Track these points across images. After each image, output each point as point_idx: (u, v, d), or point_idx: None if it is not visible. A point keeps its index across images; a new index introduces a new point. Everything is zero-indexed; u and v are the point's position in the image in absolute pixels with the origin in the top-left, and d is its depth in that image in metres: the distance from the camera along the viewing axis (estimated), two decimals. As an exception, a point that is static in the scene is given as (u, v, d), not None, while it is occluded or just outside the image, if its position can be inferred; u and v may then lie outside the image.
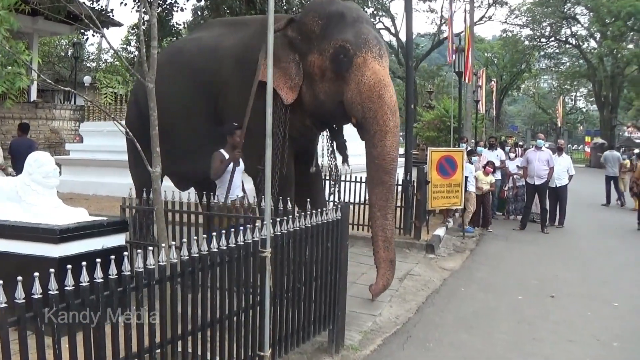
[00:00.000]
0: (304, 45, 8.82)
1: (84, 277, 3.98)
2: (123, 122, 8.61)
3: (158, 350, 4.49)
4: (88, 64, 40.42)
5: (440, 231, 13.65)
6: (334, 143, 9.83)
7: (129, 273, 4.27)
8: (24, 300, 3.58)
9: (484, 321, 8.24)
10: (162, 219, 5.79)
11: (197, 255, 4.82)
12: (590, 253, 13.74)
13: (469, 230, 14.65)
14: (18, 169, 11.96)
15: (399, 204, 12.67)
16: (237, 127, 8.48)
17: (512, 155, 18.68)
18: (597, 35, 56.92)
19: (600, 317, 8.78)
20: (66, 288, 3.87)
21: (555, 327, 8.21)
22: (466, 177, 14.19)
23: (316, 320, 6.46)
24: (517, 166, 17.62)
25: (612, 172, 22.88)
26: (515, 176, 17.72)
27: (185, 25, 20.87)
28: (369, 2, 22.01)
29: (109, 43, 6.80)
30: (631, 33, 52.15)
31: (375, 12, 22.05)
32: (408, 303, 8.84)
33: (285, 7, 18.11)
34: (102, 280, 4.03)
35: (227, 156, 8.42)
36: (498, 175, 17.15)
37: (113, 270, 4.12)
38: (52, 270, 3.83)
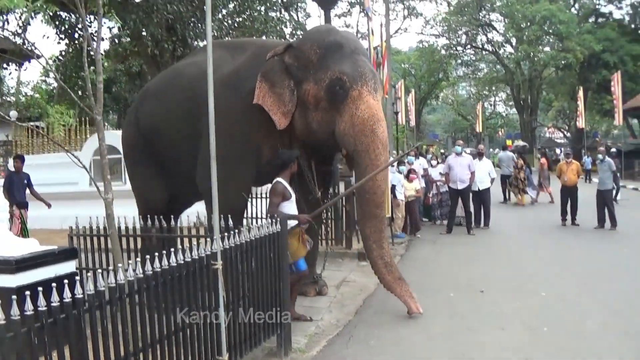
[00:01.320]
0: (300, 73, 9.08)
1: (41, 302, 4.23)
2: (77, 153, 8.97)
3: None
4: (8, 99, 39.98)
5: None
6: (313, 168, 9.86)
7: (81, 296, 4.53)
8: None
9: (420, 318, 8.87)
10: (117, 242, 6.35)
11: (155, 271, 5.33)
12: (516, 250, 14.74)
13: (399, 236, 15.46)
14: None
15: (329, 216, 13.50)
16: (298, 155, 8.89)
17: (434, 162, 19.55)
18: (513, 41, 58.66)
19: (529, 306, 9.56)
20: (26, 313, 4.09)
21: (486, 318, 8.95)
22: (394, 186, 15.03)
23: (265, 326, 7.07)
24: (440, 173, 18.44)
25: (507, 171, 25.20)
26: (438, 183, 18.59)
27: (104, 55, 21.10)
28: (287, 23, 22.65)
29: (54, 73, 7.28)
30: (547, 36, 54.04)
31: (293, 32, 22.64)
32: (347, 307, 9.52)
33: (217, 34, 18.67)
34: (58, 303, 4.31)
35: (285, 184, 8.60)
36: (422, 183, 18.00)
37: (67, 294, 4.38)
38: (13, 297, 4.09)
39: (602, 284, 11.06)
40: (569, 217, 18.67)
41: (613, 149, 27.43)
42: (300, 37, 10.43)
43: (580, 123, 47.15)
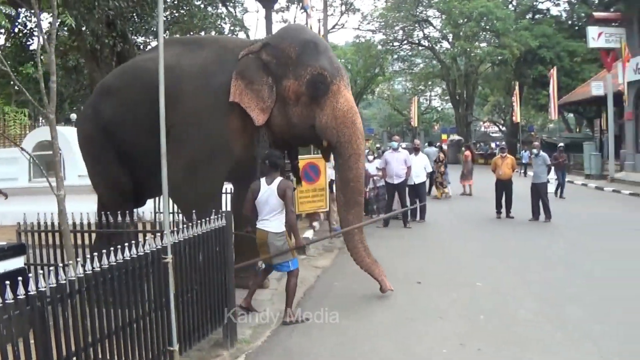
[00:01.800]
0: (279, 70, 9.55)
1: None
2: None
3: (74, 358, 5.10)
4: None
5: (309, 233, 14.89)
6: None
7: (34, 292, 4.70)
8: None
9: (360, 309, 9.36)
10: (69, 238, 6.64)
11: (107, 265, 5.59)
12: (451, 243, 15.43)
13: (337, 229, 15.86)
14: None
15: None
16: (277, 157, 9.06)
17: (370, 157, 20.04)
18: (450, 37, 59.58)
19: (465, 297, 10.13)
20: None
21: (425, 308, 9.47)
22: (332, 180, 15.47)
23: (212, 318, 7.45)
24: (377, 168, 18.91)
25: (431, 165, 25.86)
26: (375, 177, 19.06)
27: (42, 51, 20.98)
28: (226, 19, 22.85)
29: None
30: (484, 33, 54.96)
31: (232, 28, 22.84)
32: (288, 299, 9.90)
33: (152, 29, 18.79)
34: (12, 300, 4.43)
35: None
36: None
37: (21, 290, 4.50)
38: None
39: (536, 275, 11.70)
40: (503, 210, 19.50)
41: (561, 144, 28.04)
42: (273, 35, 10.70)
43: (516, 117, 48.27)
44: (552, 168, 22.18)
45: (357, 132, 9.65)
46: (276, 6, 42.53)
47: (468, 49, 53.65)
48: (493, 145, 65.32)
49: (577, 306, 9.54)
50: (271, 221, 8.74)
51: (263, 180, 8.80)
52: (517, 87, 48.71)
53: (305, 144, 10.97)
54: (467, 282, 11.09)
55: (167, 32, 20.36)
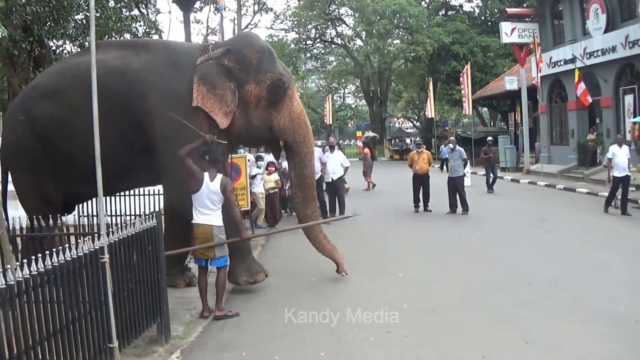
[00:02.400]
0: (242, 75, 10.23)
1: None
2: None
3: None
4: None
5: None
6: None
7: None
8: None
9: (287, 302, 9.71)
10: (7, 241, 6.91)
11: (49, 267, 5.81)
12: (373, 236, 16.06)
13: (260, 226, 16.39)
14: None
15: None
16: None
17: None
18: (363, 34, 60.02)
19: (388, 287, 10.70)
20: None
21: (349, 299, 9.93)
22: (254, 177, 15.93)
23: (147, 315, 7.76)
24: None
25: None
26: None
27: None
28: (142, 21, 22.86)
29: None
30: (397, 30, 55.61)
31: (147, 30, 22.86)
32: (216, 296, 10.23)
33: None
34: None
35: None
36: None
37: None
38: None
39: (456, 265, 12.43)
40: (421, 204, 20.19)
41: (489, 138, 29.01)
42: (231, 42, 11.07)
43: (430, 113, 49.18)
44: (468, 163, 22.99)
45: (309, 132, 10.97)
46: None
47: (381, 46, 54.33)
48: (408, 140, 66.33)
49: (498, 293, 10.21)
50: (214, 216, 9.09)
51: (206, 174, 9.03)
52: (430, 83, 49.69)
53: (261, 144, 12.16)
54: (389, 273, 11.68)
55: (83, 35, 20.32)
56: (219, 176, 9.08)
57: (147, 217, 8.01)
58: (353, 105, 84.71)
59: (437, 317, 8.96)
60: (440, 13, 58.71)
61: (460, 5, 61.28)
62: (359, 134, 65.91)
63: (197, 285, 9.58)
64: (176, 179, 9.70)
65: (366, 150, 29.12)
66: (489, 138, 29.25)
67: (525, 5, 40.74)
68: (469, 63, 44.19)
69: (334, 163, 19.33)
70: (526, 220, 18.16)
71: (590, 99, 28.79)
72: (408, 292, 10.36)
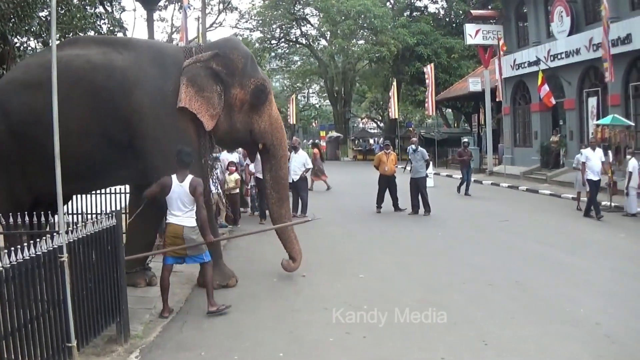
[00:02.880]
0: (228, 79, 10.57)
1: None
2: None
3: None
4: None
5: None
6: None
7: None
8: None
9: (248, 302, 9.80)
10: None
11: (8, 266, 5.74)
12: (334, 236, 16.12)
13: (222, 225, 16.41)
14: None
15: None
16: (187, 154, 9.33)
17: (251, 155, 20.46)
18: (328, 34, 60.29)
19: (349, 287, 10.75)
20: None
21: (310, 300, 10.01)
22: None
23: (106, 315, 7.74)
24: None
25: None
26: (256, 174, 19.49)
27: None
28: (106, 19, 22.73)
29: None
30: (362, 30, 55.81)
31: (111, 28, 22.72)
32: (176, 296, 10.22)
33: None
34: None
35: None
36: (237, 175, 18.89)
37: None
38: None
39: (417, 265, 12.56)
40: (385, 205, 20.27)
41: (465, 140, 29.09)
42: (217, 46, 11.11)
43: (393, 114, 49.40)
44: (431, 164, 23.26)
45: (284, 136, 11.58)
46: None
47: (346, 47, 54.48)
48: (372, 141, 66.56)
49: (458, 293, 10.34)
50: (185, 216, 9.18)
51: (174, 176, 9.15)
52: (394, 84, 49.89)
53: (240, 146, 12.63)
54: (350, 273, 11.75)
55: (47, 33, 20.21)
56: (189, 177, 9.14)
57: (107, 216, 7.98)
58: (317, 105, 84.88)
59: (397, 317, 8.98)
60: (405, 14, 58.80)
61: (425, 7, 61.75)
62: (322, 134, 66.00)
63: (160, 284, 9.51)
64: (167, 164, 9.63)
65: (315, 150, 29.20)
66: (464, 139, 29.17)
67: (490, 7, 41.08)
68: (432, 63, 44.55)
69: (297, 163, 19.42)
70: (489, 222, 18.38)
71: (554, 101, 29.14)
72: (368, 292, 10.40)
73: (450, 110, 65.62)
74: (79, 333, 6.96)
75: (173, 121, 10.08)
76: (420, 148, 20.65)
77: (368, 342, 8.07)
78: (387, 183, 20.28)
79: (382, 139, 63.46)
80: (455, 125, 65.88)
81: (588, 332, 8.27)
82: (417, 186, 19.78)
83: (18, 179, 10.27)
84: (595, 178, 18.25)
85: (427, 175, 20.75)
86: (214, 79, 10.44)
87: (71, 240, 6.92)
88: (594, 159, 18.36)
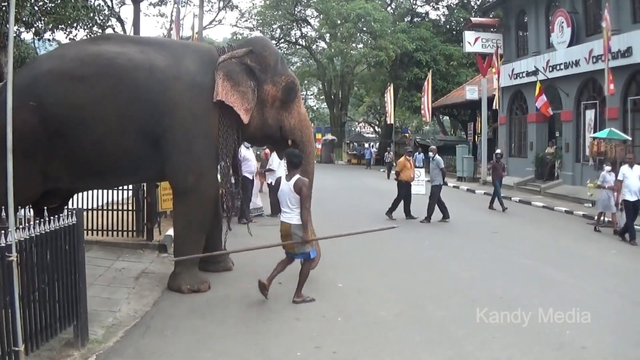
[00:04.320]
0: (262, 75, 11.08)
1: None
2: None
3: None
4: None
5: (171, 231, 14.71)
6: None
7: None
8: None
9: (217, 308, 9.44)
10: None
11: None
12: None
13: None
14: None
15: (130, 207, 13.81)
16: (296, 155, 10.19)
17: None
18: (327, 37, 60.24)
19: (326, 297, 10.32)
20: None
21: (282, 309, 9.61)
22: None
23: (62, 317, 7.35)
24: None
25: None
26: (244, 174, 19.20)
27: None
28: (97, 11, 22.53)
29: None
30: (361, 34, 55.78)
31: (104, 20, 22.50)
32: (145, 298, 9.91)
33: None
34: None
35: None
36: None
37: None
38: None
39: (400, 276, 12.14)
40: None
41: (498, 150, 27.26)
42: (251, 44, 11.54)
43: (390, 119, 49.19)
44: (423, 171, 22.90)
45: (312, 132, 12.22)
46: (153, 0, 41.88)
47: (345, 50, 54.23)
48: (366, 145, 66.17)
49: (439, 307, 9.94)
50: (292, 214, 9.81)
51: (284, 176, 10.08)
52: (391, 89, 49.80)
53: (269, 142, 12.91)
54: (329, 282, 11.29)
55: (40, 22, 20.09)
56: (295, 177, 9.78)
57: (67, 214, 7.58)
58: (314, 108, 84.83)
59: (372, 331, 8.62)
60: (405, 19, 59.19)
61: (426, 13, 61.98)
62: (318, 136, 65.80)
63: (277, 264, 10.22)
64: (192, 156, 10.38)
65: (266, 150, 28.86)
66: (498, 150, 27.39)
67: (491, 15, 40.78)
68: (430, 71, 44.37)
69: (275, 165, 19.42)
70: (478, 232, 18.01)
71: (551, 111, 29.01)
72: (345, 303, 10.03)
73: (447, 117, 65.51)
74: (28, 337, 6.62)
75: (205, 115, 10.53)
76: (436, 156, 20.42)
77: (338, 358, 7.67)
78: (407, 190, 20.07)
79: (376, 144, 63.44)
80: (452, 132, 65.86)
81: (574, 357, 7.86)
82: (431, 193, 19.73)
83: (36, 171, 9.96)
84: (633, 198, 16.68)
85: (443, 184, 20.31)
86: (248, 75, 10.93)
87: (22, 239, 6.54)
88: (632, 178, 16.78)
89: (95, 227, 13.70)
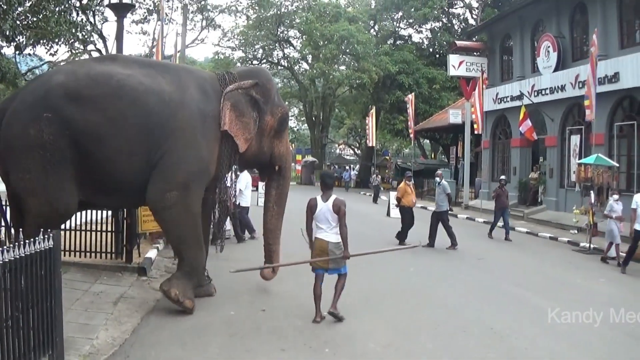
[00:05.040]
0: (264, 107, 11.47)
1: None
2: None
3: None
4: None
5: (152, 253, 14.42)
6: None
7: None
8: None
9: (199, 337, 9.04)
10: None
11: None
12: (300, 268, 14.42)
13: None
14: None
15: (109, 228, 13.38)
16: (331, 176, 11.16)
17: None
18: (310, 58, 60.10)
19: (311, 327, 9.90)
20: None
21: (267, 339, 9.22)
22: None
23: (36, 347, 6.91)
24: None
25: None
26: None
27: None
28: (81, 27, 22.23)
29: None
30: (344, 56, 55.62)
31: (85, 36, 22.26)
32: (124, 325, 9.46)
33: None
34: None
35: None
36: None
37: None
38: None
39: (387, 303, 11.78)
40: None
41: (502, 177, 25.26)
42: (255, 75, 11.87)
43: (371, 141, 49.06)
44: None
45: (291, 159, 13.11)
46: (136, 17, 41.65)
47: (327, 71, 54.05)
48: (346, 167, 65.95)
49: (429, 339, 9.61)
50: (329, 233, 10.27)
51: (319, 197, 10.42)
52: (373, 111, 49.77)
53: (258, 167, 13.15)
54: (314, 312, 10.57)
55: (22, 36, 19.85)
56: (333, 197, 10.32)
57: (43, 237, 7.18)
58: (295, 129, 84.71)
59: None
60: (388, 42, 59.16)
61: (409, 36, 62.02)
62: (298, 157, 65.68)
63: (313, 291, 10.42)
64: (181, 173, 10.36)
65: None
66: (502, 177, 25.61)
67: (475, 39, 40.77)
68: (412, 93, 44.36)
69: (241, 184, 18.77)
70: (463, 258, 17.70)
71: (535, 136, 28.97)
72: (332, 334, 9.62)
73: (428, 140, 65.47)
74: (0, 367, 6.19)
75: (206, 143, 10.70)
76: (443, 181, 20.20)
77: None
78: (410, 215, 19.88)
79: (356, 166, 63.33)
80: (432, 156, 65.85)
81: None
82: (437, 220, 19.47)
83: (66, 182, 9.93)
84: None
85: (448, 210, 20.03)
86: (252, 106, 11.29)
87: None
88: None
89: (72, 248, 13.26)
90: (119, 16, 14.93)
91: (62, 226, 12.71)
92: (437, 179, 20.64)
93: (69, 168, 9.83)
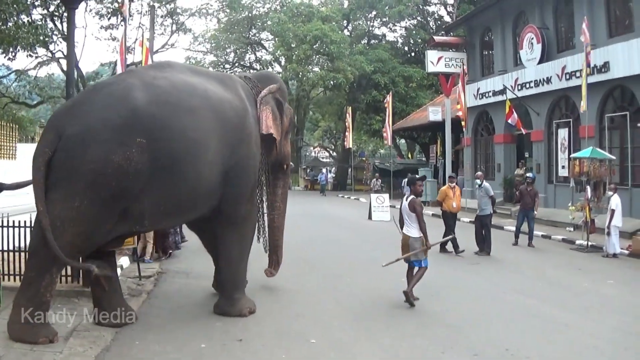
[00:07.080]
0: (283, 109, 11.88)
1: None
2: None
3: None
4: None
5: (124, 260, 13.58)
6: None
7: None
8: None
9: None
10: None
11: None
12: (280, 281, 13.04)
13: (148, 261, 14.64)
14: None
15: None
16: (419, 179, 12.18)
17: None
18: (282, 60, 59.25)
19: (296, 357, 8.44)
20: None
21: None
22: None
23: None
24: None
25: None
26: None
27: None
28: (41, 29, 21.16)
29: None
30: (318, 56, 54.72)
31: (46, 39, 21.22)
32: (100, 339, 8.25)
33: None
34: None
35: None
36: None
37: None
38: None
39: (384, 324, 10.20)
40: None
41: (529, 174, 22.47)
42: (274, 80, 11.95)
43: (348, 143, 48.21)
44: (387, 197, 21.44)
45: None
46: (105, 23, 40.56)
47: (300, 73, 53.31)
48: (324, 170, 64.73)
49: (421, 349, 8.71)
50: (410, 228, 11.69)
51: (405, 197, 11.99)
52: (349, 112, 49.23)
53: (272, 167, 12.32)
54: (299, 336, 9.31)
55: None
56: (410, 197, 11.70)
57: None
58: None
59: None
60: (362, 42, 58.79)
61: (384, 35, 61.58)
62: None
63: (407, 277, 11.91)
64: (249, 186, 10.58)
65: None
66: (529, 174, 22.49)
67: (452, 34, 39.77)
68: (390, 92, 43.56)
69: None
70: (457, 264, 16.41)
71: (524, 130, 28.31)
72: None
73: (403, 140, 64.71)
74: None
75: (258, 146, 10.78)
76: (485, 183, 18.82)
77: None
78: (453, 221, 18.61)
79: (332, 168, 62.44)
80: (409, 156, 65.27)
81: None
82: (481, 224, 18.29)
83: (115, 213, 8.63)
84: None
85: (493, 212, 18.88)
86: (279, 109, 11.60)
87: None
88: None
89: (13, 272, 11.16)
90: (69, 8, 13.09)
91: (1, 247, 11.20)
92: (478, 180, 19.10)
93: (126, 202, 8.61)
